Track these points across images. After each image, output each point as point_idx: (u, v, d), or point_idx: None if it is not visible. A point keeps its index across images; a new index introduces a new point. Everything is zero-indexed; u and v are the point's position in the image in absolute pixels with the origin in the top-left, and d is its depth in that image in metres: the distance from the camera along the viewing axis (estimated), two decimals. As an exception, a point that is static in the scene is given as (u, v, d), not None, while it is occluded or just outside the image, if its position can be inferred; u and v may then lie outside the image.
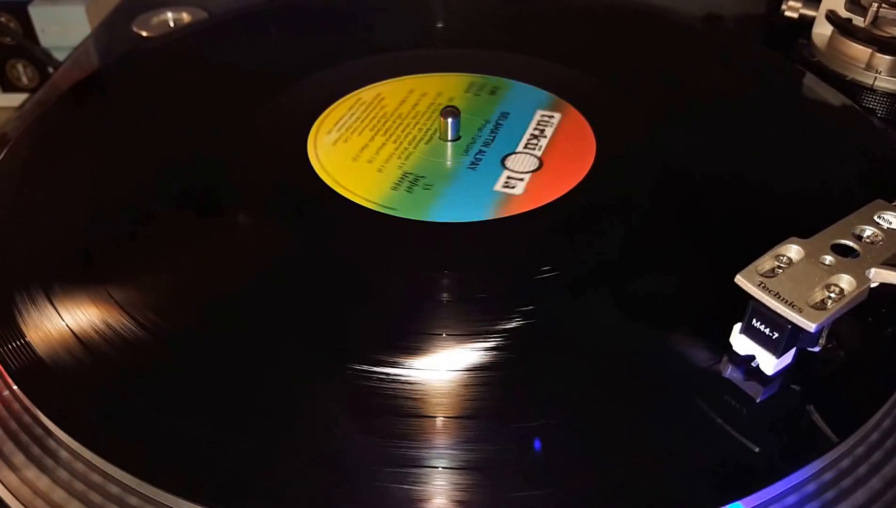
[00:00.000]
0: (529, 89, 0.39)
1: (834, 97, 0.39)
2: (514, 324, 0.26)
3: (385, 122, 0.36)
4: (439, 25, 0.46)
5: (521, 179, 0.33)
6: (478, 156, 0.34)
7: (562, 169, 0.33)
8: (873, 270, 0.23)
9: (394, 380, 0.24)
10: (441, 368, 0.24)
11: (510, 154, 0.34)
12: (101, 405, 0.24)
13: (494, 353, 0.25)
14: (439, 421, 0.23)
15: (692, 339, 0.26)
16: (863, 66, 0.40)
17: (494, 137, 0.35)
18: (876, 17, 0.40)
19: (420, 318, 0.26)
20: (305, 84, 0.39)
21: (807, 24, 0.44)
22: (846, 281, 0.23)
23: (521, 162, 0.34)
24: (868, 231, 0.25)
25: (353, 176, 0.33)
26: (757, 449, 0.23)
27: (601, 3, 0.47)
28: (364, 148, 0.35)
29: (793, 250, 0.24)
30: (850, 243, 0.25)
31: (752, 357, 0.24)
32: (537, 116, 0.37)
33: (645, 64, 0.41)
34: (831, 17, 0.42)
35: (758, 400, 0.24)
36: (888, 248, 0.24)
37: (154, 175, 0.33)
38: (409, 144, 0.35)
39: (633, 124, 0.36)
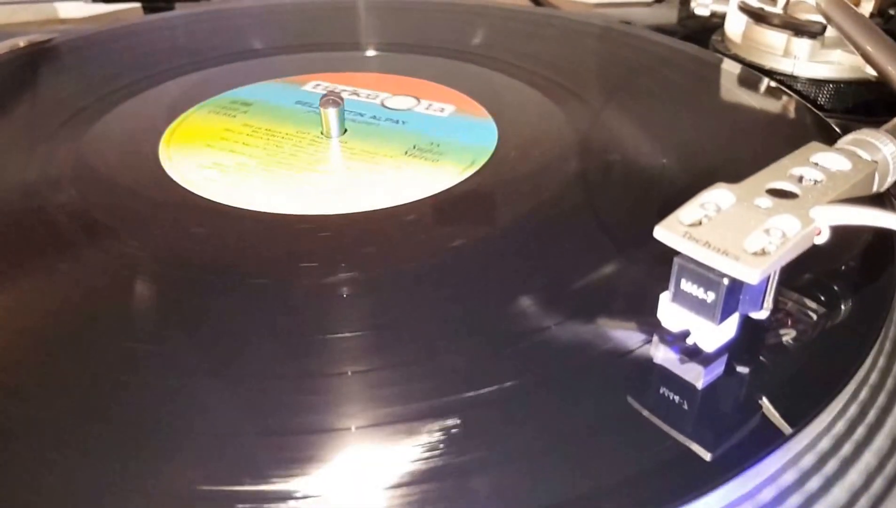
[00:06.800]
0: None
1: (746, 73, 0.36)
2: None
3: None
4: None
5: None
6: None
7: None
8: (818, 207, 0.19)
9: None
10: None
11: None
12: None
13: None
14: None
15: (613, 321, 0.21)
16: (780, 53, 0.38)
17: None
18: (788, 2, 0.38)
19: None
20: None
21: (719, 20, 0.42)
22: (788, 222, 0.19)
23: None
24: (808, 173, 0.21)
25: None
26: (708, 457, 0.17)
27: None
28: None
29: (721, 196, 0.20)
30: (789, 186, 0.20)
31: (688, 333, 0.19)
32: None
33: (561, 65, 0.38)
34: (743, 6, 0.39)
35: (699, 386, 0.19)
36: (832, 188, 0.20)
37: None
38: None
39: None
